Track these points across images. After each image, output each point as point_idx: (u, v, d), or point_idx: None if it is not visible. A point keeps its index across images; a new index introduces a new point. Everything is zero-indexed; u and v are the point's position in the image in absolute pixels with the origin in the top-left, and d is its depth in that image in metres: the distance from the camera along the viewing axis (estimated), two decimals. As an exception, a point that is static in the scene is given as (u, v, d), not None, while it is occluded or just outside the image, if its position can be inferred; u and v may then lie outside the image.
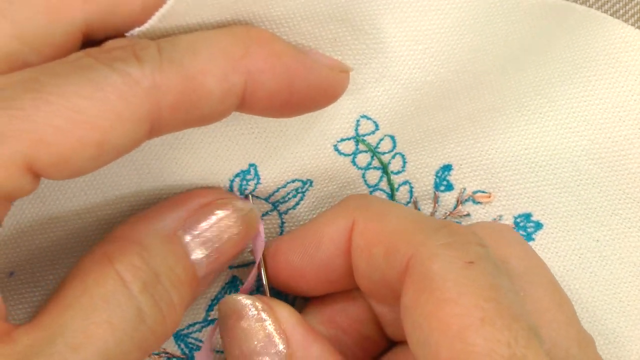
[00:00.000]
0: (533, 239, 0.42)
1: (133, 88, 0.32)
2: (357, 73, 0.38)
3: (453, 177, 0.41)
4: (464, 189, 0.41)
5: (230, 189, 0.39)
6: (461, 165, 0.41)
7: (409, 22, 0.37)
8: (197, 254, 0.37)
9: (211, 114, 0.34)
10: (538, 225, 0.42)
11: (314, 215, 0.41)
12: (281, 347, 0.37)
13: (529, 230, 0.42)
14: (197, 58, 0.34)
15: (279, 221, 0.41)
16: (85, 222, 0.39)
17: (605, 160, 0.41)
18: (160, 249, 0.36)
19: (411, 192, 0.41)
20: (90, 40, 0.35)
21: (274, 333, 0.37)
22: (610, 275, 0.42)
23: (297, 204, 0.41)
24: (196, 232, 0.37)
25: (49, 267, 0.39)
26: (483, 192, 0.41)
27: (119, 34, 0.35)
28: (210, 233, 0.37)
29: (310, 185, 0.40)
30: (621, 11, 0.49)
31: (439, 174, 0.41)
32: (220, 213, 0.38)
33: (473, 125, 0.41)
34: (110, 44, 0.34)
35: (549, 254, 0.42)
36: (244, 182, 0.39)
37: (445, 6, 0.37)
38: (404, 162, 0.41)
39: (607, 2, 0.49)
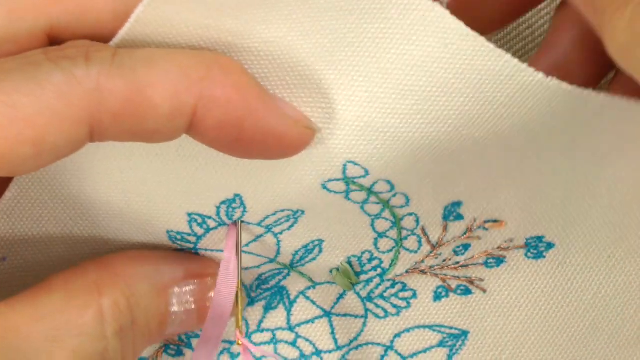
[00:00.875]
0: (544, 257, 0.41)
1: (74, 88, 0.32)
2: (338, 119, 0.36)
3: (463, 210, 0.39)
4: (475, 218, 0.40)
5: (218, 214, 0.38)
6: (471, 201, 0.39)
7: (395, 77, 0.34)
8: (175, 309, 0.38)
9: (158, 130, 0.33)
10: (549, 246, 0.41)
11: (312, 236, 0.40)
12: None
13: (540, 249, 0.41)
14: (151, 70, 0.33)
15: (275, 240, 0.40)
16: (75, 213, 0.39)
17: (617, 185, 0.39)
18: (148, 299, 0.37)
19: (418, 221, 0.39)
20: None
21: None
22: (622, 288, 0.41)
23: (292, 226, 0.39)
24: (185, 298, 0.38)
25: (41, 253, 0.39)
26: (495, 220, 0.40)
27: (89, 39, 0.34)
28: (195, 300, 0.38)
29: (302, 214, 0.39)
30: None
31: (447, 208, 0.39)
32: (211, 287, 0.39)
33: (483, 179, 0.38)
34: (69, 43, 0.34)
35: (560, 269, 0.41)
36: (231, 210, 0.38)
37: (431, 65, 0.34)
38: (407, 199, 0.39)
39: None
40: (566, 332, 0.42)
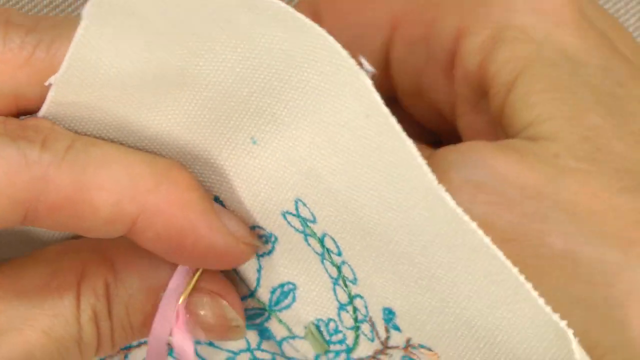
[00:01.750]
0: None
1: (22, 170, 0.32)
2: (290, 152, 0.35)
3: (399, 322, 0.36)
4: (410, 338, 0.36)
5: None
6: (403, 316, 0.36)
7: (331, 129, 0.34)
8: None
9: (93, 229, 0.34)
10: None
11: (288, 275, 0.39)
12: None
13: None
14: (101, 172, 0.33)
15: (257, 265, 0.39)
16: None
17: None
18: (132, 293, 0.36)
19: (366, 307, 0.37)
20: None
21: None
22: None
23: (271, 251, 0.39)
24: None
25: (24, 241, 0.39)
26: (429, 349, 0.36)
27: None
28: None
29: (276, 240, 0.38)
30: (622, 10, 0.49)
31: (385, 312, 0.37)
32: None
33: (402, 285, 0.35)
34: (32, 120, 0.34)
35: None
36: None
37: (360, 129, 0.33)
38: (355, 277, 0.37)
39: (608, 2, 0.49)
40: None
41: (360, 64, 0.32)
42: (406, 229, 0.33)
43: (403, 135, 0.32)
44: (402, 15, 0.38)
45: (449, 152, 0.34)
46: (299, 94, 0.34)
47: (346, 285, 0.37)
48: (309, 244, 0.37)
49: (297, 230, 0.37)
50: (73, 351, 0.35)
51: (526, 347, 0.33)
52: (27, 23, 0.33)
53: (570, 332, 0.31)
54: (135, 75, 0.34)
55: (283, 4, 0.31)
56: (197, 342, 0.41)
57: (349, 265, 0.36)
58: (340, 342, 0.40)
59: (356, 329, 0.39)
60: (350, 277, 0.37)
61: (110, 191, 0.33)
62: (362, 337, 0.39)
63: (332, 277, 0.38)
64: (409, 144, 0.32)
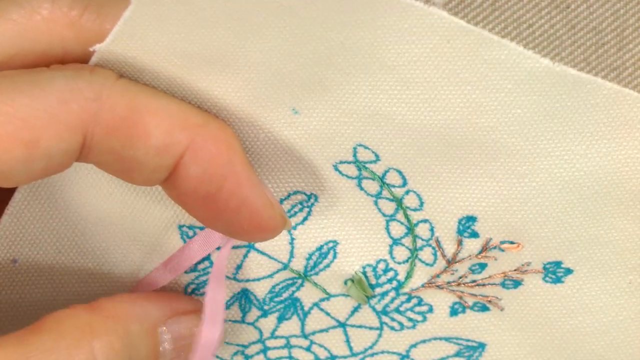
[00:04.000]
0: (562, 282, 0.40)
1: (75, 94, 0.32)
2: (344, 109, 0.36)
3: (478, 227, 0.39)
4: (490, 238, 0.39)
5: None
6: (486, 218, 0.38)
7: (398, 71, 0.35)
8: (166, 347, 0.37)
9: (143, 162, 0.33)
10: (568, 271, 0.40)
11: (327, 235, 0.40)
12: None
13: (558, 274, 0.40)
14: (153, 99, 0.33)
15: (289, 238, 0.40)
16: (85, 213, 0.39)
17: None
18: (141, 339, 0.36)
19: (432, 230, 0.39)
20: None
21: None
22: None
23: (306, 218, 0.39)
24: (174, 334, 0.37)
25: (51, 255, 0.40)
26: (511, 242, 0.39)
27: None
28: (183, 337, 0.38)
29: (316, 200, 0.39)
30: (622, 10, 0.49)
31: (462, 222, 0.39)
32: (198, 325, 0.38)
33: (496, 183, 0.38)
34: (74, 63, 0.34)
35: (579, 293, 0.40)
36: None
37: (434, 59, 0.34)
38: (421, 202, 0.38)
39: (607, 1, 0.49)
40: (585, 348, 0.41)
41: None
42: (505, 123, 0.35)
43: (497, 38, 0.34)
44: None
45: None
46: (352, 54, 0.34)
47: (406, 216, 0.39)
48: (361, 188, 0.38)
49: (349, 177, 0.38)
50: None
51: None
52: None
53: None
54: (177, 53, 0.34)
55: None
56: None
57: (414, 192, 0.38)
58: (390, 280, 0.41)
59: (413, 258, 0.40)
60: (414, 204, 0.38)
61: (163, 117, 0.33)
62: (418, 265, 0.40)
63: (385, 215, 0.39)
64: (507, 42, 0.34)
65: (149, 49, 0.34)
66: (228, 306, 0.42)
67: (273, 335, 0.42)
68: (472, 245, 0.39)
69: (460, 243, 0.39)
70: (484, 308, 0.41)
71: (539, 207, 0.38)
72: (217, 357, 0.43)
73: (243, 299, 0.41)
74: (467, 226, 0.39)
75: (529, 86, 0.35)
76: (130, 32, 0.33)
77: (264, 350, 0.43)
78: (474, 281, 0.41)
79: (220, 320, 0.38)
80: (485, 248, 0.39)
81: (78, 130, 0.32)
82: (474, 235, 0.39)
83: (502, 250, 0.39)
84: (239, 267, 0.40)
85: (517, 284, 0.41)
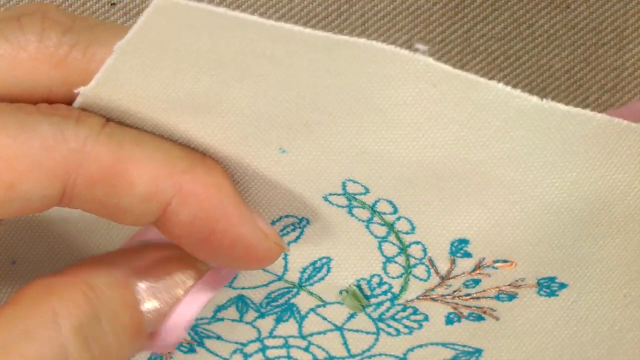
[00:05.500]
0: (557, 295, 0.40)
1: (59, 143, 0.32)
2: (331, 149, 0.36)
3: (470, 249, 0.39)
4: (484, 258, 0.39)
5: None
6: (478, 241, 0.38)
7: (383, 114, 0.35)
8: (148, 304, 0.36)
9: (128, 210, 0.33)
10: (562, 285, 0.40)
11: (320, 252, 0.40)
12: None
13: (552, 288, 0.40)
14: (138, 148, 0.33)
15: (282, 254, 0.40)
16: (83, 214, 0.38)
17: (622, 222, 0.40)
18: (109, 292, 0.35)
19: (425, 250, 0.39)
20: None
21: None
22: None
23: (299, 237, 0.39)
24: (150, 283, 0.36)
25: (48, 259, 0.40)
26: (505, 261, 0.39)
27: None
28: (163, 286, 0.37)
29: (308, 223, 0.39)
30: (621, 11, 0.49)
31: (454, 244, 0.39)
32: (177, 267, 0.37)
33: (487, 210, 0.38)
34: (62, 105, 0.34)
35: (574, 305, 0.40)
36: None
37: (420, 102, 0.34)
38: (413, 227, 0.38)
39: (607, 2, 0.49)
40: (582, 356, 0.41)
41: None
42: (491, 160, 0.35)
43: (483, 80, 0.33)
44: None
45: None
46: (338, 98, 0.34)
47: (399, 238, 0.39)
48: (352, 215, 0.38)
49: (339, 206, 0.38)
50: None
51: None
52: (64, 21, 0.33)
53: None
54: (161, 98, 0.34)
55: (323, 34, 0.32)
56: (207, 337, 0.42)
57: (405, 218, 0.38)
58: (385, 292, 0.41)
59: (407, 274, 0.40)
60: (406, 229, 0.38)
61: (148, 166, 0.33)
62: (412, 280, 0.40)
63: (377, 237, 0.39)
64: (494, 84, 0.34)
65: (133, 93, 0.34)
66: (225, 307, 0.42)
67: (271, 335, 0.43)
68: (465, 264, 0.40)
69: (453, 262, 0.39)
70: (479, 318, 0.41)
71: (531, 230, 0.38)
72: (216, 354, 0.43)
73: (240, 302, 0.42)
74: (459, 248, 0.39)
75: (517, 123, 0.34)
76: (114, 78, 0.33)
77: (263, 349, 0.43)
78: (468, 294, 0.41)
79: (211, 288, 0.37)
80: (478, 266, 0.39)
81: (59, 179, 0.32)
82: (467, 255, 0.39)
83: (496, 269, 0.39)
84: (234, 277, 0.41)
85: (511, 297, 0.41)
